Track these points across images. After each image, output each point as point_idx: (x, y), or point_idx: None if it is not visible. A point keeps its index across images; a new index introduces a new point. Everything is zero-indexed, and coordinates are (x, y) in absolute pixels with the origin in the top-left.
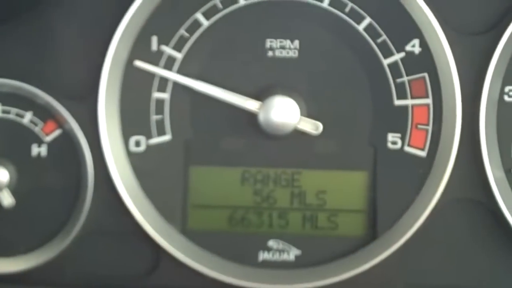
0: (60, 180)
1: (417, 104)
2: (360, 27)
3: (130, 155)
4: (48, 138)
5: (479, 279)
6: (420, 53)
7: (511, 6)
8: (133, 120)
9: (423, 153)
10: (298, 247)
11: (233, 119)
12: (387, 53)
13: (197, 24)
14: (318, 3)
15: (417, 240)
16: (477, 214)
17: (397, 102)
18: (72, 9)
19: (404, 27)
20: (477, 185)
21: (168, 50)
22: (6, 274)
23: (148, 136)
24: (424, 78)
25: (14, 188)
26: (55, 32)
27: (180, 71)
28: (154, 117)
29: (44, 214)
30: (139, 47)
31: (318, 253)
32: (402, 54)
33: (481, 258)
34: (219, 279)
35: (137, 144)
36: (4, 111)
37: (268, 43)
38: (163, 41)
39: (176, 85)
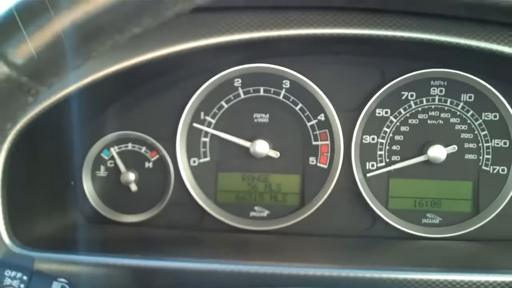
0: (158, 179)
1: (323, 144)
2: (297, 108)
3: (191, 167)
4: (153, 159)
5: (352, 228)
6: (324, 120)
7: (367, 98)
8: (192, 150)
9: (325, 166)
10: (268, 209)
11: (238, 150)
12: (309, 120)
13: (221, 106)
14: (277, 97)
15: (324, 207)
16: (351, 195)
17: (314, 143)
18: (167, 97)
19: (317, 107)
20: (350, 181)
21: (208, 118)
22: (132, 222)
23: (199, 158)
24: (326, 131)
25: (137, 182)
26: (156, 108)
27: (214, 128)
28: (202, 149)
29: (150, 195)
30: (195, 117)
31: (278, 213)
32: (316, 121)
33: (353, 216)
34: (231, 224)
35: (194, 162)
36: (132, 146)
37: (254, 115)
38: (206, 114)
39: (212, 135)
